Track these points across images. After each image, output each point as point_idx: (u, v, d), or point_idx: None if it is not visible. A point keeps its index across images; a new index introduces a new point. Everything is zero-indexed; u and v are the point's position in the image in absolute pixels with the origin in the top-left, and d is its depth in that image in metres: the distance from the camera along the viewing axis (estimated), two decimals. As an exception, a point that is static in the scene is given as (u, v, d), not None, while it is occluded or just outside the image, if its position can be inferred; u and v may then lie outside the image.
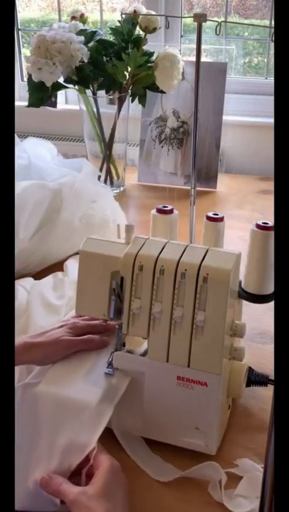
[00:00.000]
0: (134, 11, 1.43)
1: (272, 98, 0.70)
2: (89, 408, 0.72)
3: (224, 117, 1.60)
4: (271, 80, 1.80)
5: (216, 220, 0.88)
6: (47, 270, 1.16)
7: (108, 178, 1.57)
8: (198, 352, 0.73)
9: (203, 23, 0.97)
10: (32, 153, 1.33)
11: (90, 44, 1.40)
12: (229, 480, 0.73)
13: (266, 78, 1.82)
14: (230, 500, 0.71)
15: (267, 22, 1.83)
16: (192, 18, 0.97)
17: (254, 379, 0.82)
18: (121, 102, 1.49)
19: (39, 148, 1.37)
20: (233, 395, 0.81)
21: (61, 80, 1.40)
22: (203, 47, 1.03)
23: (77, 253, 1.14)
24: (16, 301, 1.00)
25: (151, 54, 1.44)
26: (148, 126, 1.65)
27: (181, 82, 1.47)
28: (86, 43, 1.38)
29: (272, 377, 0.82)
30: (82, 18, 1.51)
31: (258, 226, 0.82)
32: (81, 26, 1.45)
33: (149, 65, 1.42)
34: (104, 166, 1.55)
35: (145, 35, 1.42)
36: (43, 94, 1.40)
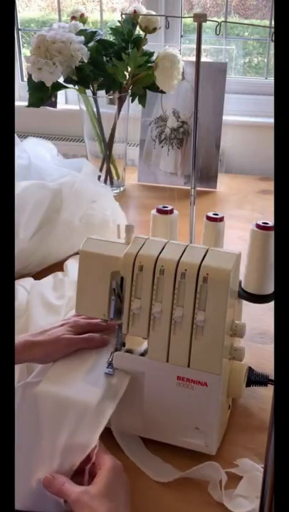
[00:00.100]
0: (134, 11, 1.43)
1: (272, 98, 0.70)
2: (89, 408, 0.72)
3: (224, 117, 1.60)
4: (271, 80, 1.80)
5: (216, 220, 0.88)
6: (47, 270, 1.16)
7: (108, 178, 1.57)
8: (198, 352, 0.73)
9: (203, 23, 0.97)
10: (32, 153, 1.33)
11: (90, 44, 1.40)
12: (229, 480, 0.73)
13: (266, 78, 1.82)
14: (230, 500, 0.71)
15: (267, 22, 1.83)
16: (192, 18, 0.97)
17: (254, 379, 0.82)
18: (121, 102, 1.49)
19: (39, 148, 1.37)
20: (233, 395, 0.81)
21: (61, 80, 1.40)
22: (203, 47, 1.03)
23: (77, 253, 1.14)
24: (16, 301, 1.00)
25: (151, 54, 1.44)
26: (148, 126, 1.65)
27: (181, 82, 1.47)
28: (86, 43, 1.38)
29: (272, 377, 0.82)
30: (82, 18, 1.51)
31: (258, 226, 0.82)
32: (81, 26, 1.46)
33: (149, 65, 1.42)
34: (104, 166, 1.55)
35: (145, 35, 1.42)
36: (43, 94, 1.40)
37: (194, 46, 0.99)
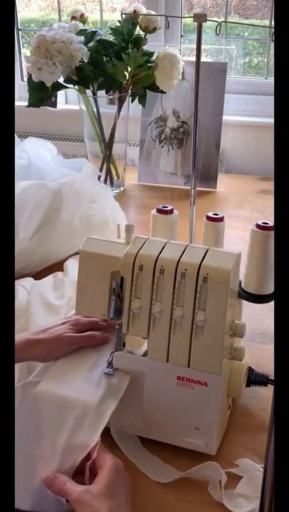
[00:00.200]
0: (134, 11, 1.43)
1: (272, 98, 0.70)
2: (89, 408, 0.72)
3: (224, 117, 1.60)
4: (271, 80, 1.80)
5: (216, 220, 0.88)
6: (47, 270, 1.16)
7: (108, 178, 1.57)
8: (198, 352, 0.73)
9: (203, 23, 0.97)
10: (32, 153, 1.33)
11: (90, 44, 1.40)
12: (229, 480, 0.73)
13: (266, 78, 1.82)
14: (230, 500, 0.71)
15: (267, 22, 1.83)
16: (192, 18, 0.97)
17: (254, 379, 0.82)
18: (121, 102, 1.49)
19: (39, 148, 1.37)
20: (233, 395, 0.81)
21: (61, 80, 1.40)
22: (203, 47, 1.03)
23: (77, 253, 1.14)
24: (16, 301, 1.00)
25: (151, 54, 1.44)
26: (148, 126, 1.65)
27: (181, 82, 1.47)
28: (86, 43, 1.38)
29: (272, 377, 0.82)
30: (82, 18, 1.51)
31: (258, 226, 0.82)
32: (81, 26, 1.46)
33: (149, 65, 1.42)
34: (104, 166, 1.55)
35: (145, 35, 1.42)
36: (43, 94, 1.40)
37: (194, 46, 0.99)
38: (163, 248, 0.76)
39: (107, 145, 1.52)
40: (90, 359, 0.80)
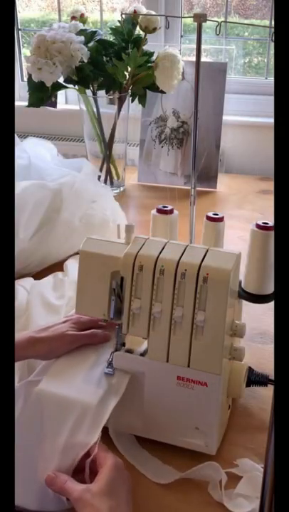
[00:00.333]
0: (134, 11, 1.43)
1: (272, 98, 0.70)
2: (89, 408, 0.72)
3: (224, 117, 1.60)
4: (271, 80, 1.80)
5: (216, 220, 0.88)
6: (47, 270, 1.16)
7: (108, 178, 1.57)
8: (198, 352, 0.73)
9: (203, 23, 0.97)
10: (32, 153, 1.33)
11: (90, 44, 1.40)
12: (229, 480, 0.73)
13: (266, 78, 1.82)
14: (230, 500, 0.71)
15: (267, 22, 1.83)
16: (192, 18, 0.97)
17: (254, 379, 0.82)
18: (121, 102, 1.49)
19: (39, 148, 1.37)
20: (233, 395, 0.81)
21: (61, 80, 1.40)
22: (203, 47, 1.03)
23: (77, 253, 1.14)
24: (16, 301, 1.00)
25: (151, 54, 1.44)
26: (148, 126, 1.65)
27: (181, 82, 1.47)
28: (86, 43, 1.38)
29: (272, 377, 0.82)
30: (82, 18, 1.51)
31: (258, 226, 0.82)
32: (81, 26, 1.46)
33: (149, 65, 1.42)
34: (104, 166, 1.55)
35: (145, 35, 1.42)
36: (43, 94, 1.40)
37: (194, 46, 0.99)
38: (163, 248, 0.76)
39: (107, 145, 1.52)
40: (90, 359, 0.80)
